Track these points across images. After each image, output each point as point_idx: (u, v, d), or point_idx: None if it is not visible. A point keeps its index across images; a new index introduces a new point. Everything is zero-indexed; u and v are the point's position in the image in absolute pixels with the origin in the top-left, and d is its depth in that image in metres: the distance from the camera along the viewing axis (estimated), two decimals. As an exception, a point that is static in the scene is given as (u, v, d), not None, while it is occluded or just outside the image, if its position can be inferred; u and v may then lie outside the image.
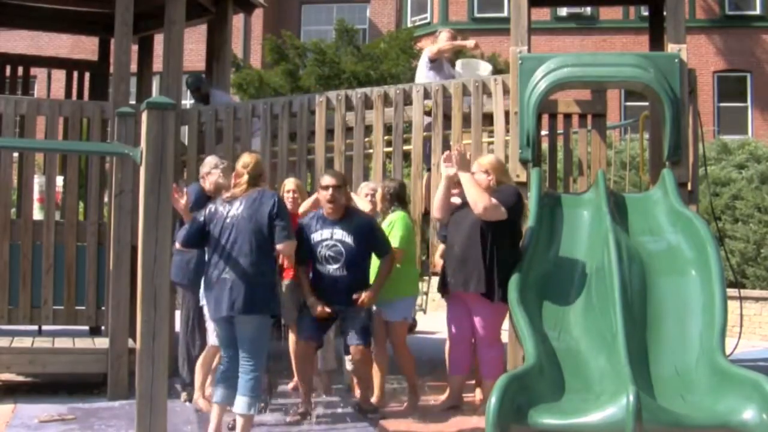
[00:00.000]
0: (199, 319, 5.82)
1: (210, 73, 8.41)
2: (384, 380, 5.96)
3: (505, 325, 5.38)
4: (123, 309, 6.07)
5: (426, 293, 11.68)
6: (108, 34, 8.46)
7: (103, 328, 7.03)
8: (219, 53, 8.43)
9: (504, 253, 5.28)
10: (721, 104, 19.55)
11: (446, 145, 6.34)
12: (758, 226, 11.17)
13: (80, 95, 9.35)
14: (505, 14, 17.65)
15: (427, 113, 6.50)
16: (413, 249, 5.99)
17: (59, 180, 7.33)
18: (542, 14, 18.32)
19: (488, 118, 6.36)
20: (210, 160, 5.91)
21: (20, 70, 9.49)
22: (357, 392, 5.81)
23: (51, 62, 10.95)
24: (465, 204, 5.38)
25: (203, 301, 5.40)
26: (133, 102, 7.50)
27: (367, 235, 5.44)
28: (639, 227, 5.38)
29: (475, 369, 5.89)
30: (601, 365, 4.44)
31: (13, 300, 6.68)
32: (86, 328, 7.50)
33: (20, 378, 6.64)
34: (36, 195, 7.49)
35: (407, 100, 6.53)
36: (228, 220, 4.82)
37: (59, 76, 9.94)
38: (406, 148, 6.64)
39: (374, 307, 5.74)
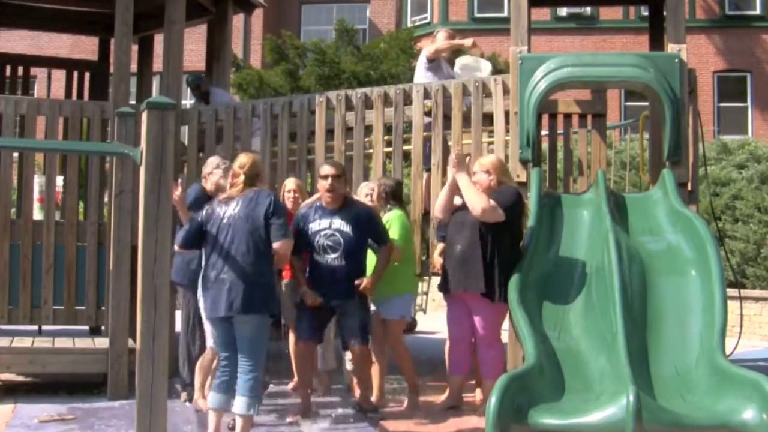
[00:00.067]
0: (199, 320, 5.80)
1: (210, 73, 8.42)
2: (384, 380, 5.96)
3: (505, 325, 5.38)
4: (123, 309, 6.07)
5: (426, 293, 11.69)
6: (108, 34, 8.46)
7: (103, 328, 7.03)
8: (219, 53, 8.43)
9: (504, 253, 5.28)
10: (721, 104, 19.56)
11: (446, 145, 6.35)
12: (758, 226, 11.16)
13: (80, 95, 9.35)
14: (505, 14, 17.65)
15: (427, 113, 6.49)
16: (411, 247, 5.98)
17: (59, 180, 7.33)
18: (542, 14, 18.31)
19: (488, 118, 6.36)
20: (212, 161, 5.91)
21: (20, 70, 9.50)
22: (357, 392, 5.81)
23: (51, 62, 10.95)
24: (466, 204, 5.37)
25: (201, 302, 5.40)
26: (133, 102, 7.50)
27: (366, 224, 5.45)
28: (639, 227, 5.38)
29: (475, 369, 5.89)
30: (601, 365, 4.44)
31: (13, 300, 6.68)
32: (86, 328, 7.50)
33: (20, 378, 6.64)
34: (36, 195, 7.49)
35: (407, 100, 6.53)
36: (225, 221, 4.82)
37: (59, 76, 9.94)
38: (406, 148, 6.64)
39: (373, 307, 5.74)
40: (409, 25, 20.37)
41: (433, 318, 10.25)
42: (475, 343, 5.57)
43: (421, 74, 7.18)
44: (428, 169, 6.52)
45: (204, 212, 4.97)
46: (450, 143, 6.35)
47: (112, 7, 6.95)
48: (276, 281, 6.30)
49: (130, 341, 6.02)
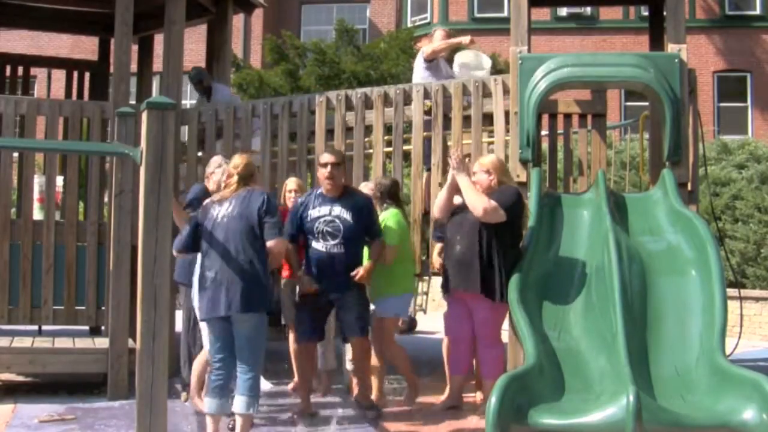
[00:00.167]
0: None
1: (210, 73, 8.41)
2: (383, 379, 5.96)
3: (505, 325, 5.38)
4: (123, 309, 6.07)
5: (426, 293, 11.70)
6: (108, 34, 8.46)
7: (103, 328, 7.03)
8: (219, 53, 8.44)
9: (504, 253, 5.28)
10: (721, 104, 19.55)
11: (446, 145, 6.35)
12: (758, 226, 11.17)
13: (80, 95, 9.35)
14: (505, 14, 17.65)
15: (427, 112, 6.49)
16: (408, 246, 5.97)
17: (59, 180, 7.33)
18: (542, 14, 18.31)
19: (488, 118, 6.36)
20: (215, 160, 5.91)
21: (20, 70, 9.50)
22: (356, 390, 5.80)
23: (51, 62, 10.96)
24: (465, 204, 5.37)
25: (195, 303, 5.39)
26: (133, 102, 7.51)
27: (365, 214, 5.47)
28: (639, 227, 5.38)
29: (475, 369, 5.89)
30: (601, 365, 4.44)
31: (13, 300, 6.68)
32: (86, 328, 7.50)
33: (20, 378, 6.64)
34: (36, 195, 7.49)
35: (407, 100, 6.53)
36: (219, 221, 4.83)
37: (59, 76, 9.94)
38: (406, 148, 6.64)
39: (372, 307, 5.74)
40: (409, 25, 20.37)
41: (433, 318, 10.25)
42: (475, 343, 5.57)
43: (420, 75, 7.17)
44: (428, 169, 6.52)
45: (198, 214, 4.97)
46: (450, 143, 6.34)
47: (112, 7, 6.95)
48: (276, 281, 6.32)
49: (130, 341, 6.02)
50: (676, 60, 5.67)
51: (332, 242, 5.37)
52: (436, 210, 5.65)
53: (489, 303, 5.31)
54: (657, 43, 6.70)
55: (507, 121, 6.10)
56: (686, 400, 4.21)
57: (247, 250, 4.76)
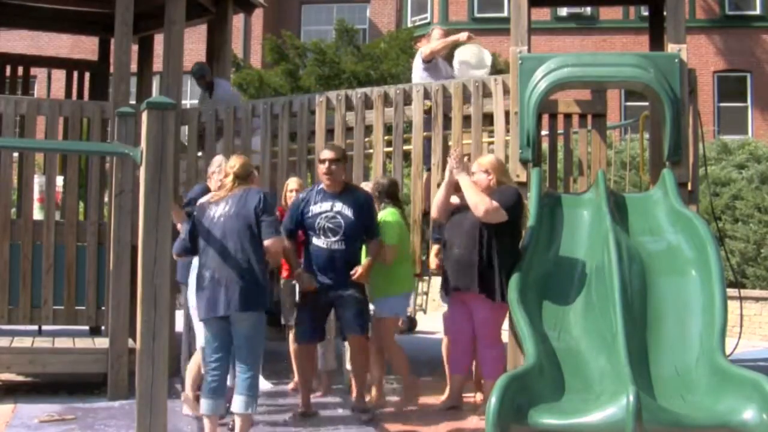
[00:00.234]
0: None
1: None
2: (383, 379, 5.96)
3: (505, 325, 5.38)
4: (123, 309, 6.07)
5: (426, 293, 11.71)
6: (108, 34, 8.46)
7: (103, 328, 7.03)
8: (219, 53, 8.44)
9: (504, 253, 5.28)
10: (721, 104, 19.56)
11: (446, 145, 6.35)
12: (758, 226, 11.17)
13: (80, 95, 9.36)
14: (505, 14, 17.64)
15: (426, 111, 6.48)
16: (405, 246, 5.96)
17: (59, 180, 7.33)
18: (542, 14, 18.31)
19: (488, 118, 6.36)
20: (217, 160, 5.91)
21: (20, 70, 9.51)
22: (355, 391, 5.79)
23: (51, 62, 10.96)
24: (464, 205, 5.38)
25: (191, 303, 5.38)
26: (133, 102, 7.51)
27: (366, 210, 5.48)
28: (639, 227, 5.38)
29: (475, 369, 5.89)
30: (601, 365, 4.44)
31: (13, 300, 6.68)
32: (86, 328, 7.50)
33: (20, 378, 6.64)
34: (36, 195, 7.49)
35: (407, 100, 6.53)
36: (216, 220, 4.83)
37: (59, 76, 9.95)
38: (406, 148, 6.64)
39: (371, 307, 5.74)
40: (409, 25, 20.37)
41: (433, 318, 10.25)
42: (475, 343, 5.57)
43: (418, 76, 7.14)
44: (428, 169, 6.52)
45: (195, 215, 4.97)
46: (451, 144, 6.34)
47: (112, 7, 6.95)
48: (275, 281, 6.32)
49: (130, 341, 6.01)
50: (676, 60, 5.67)
51: (333, 239, 5.38)
52: (434, 210, 5.65)
53: (489, 303, 5.31)
54: (657, 43, 6.70)
55: (507, 121, 6.10)
56: (686, 400, 4.21)
57: (245, 249, 4.76)
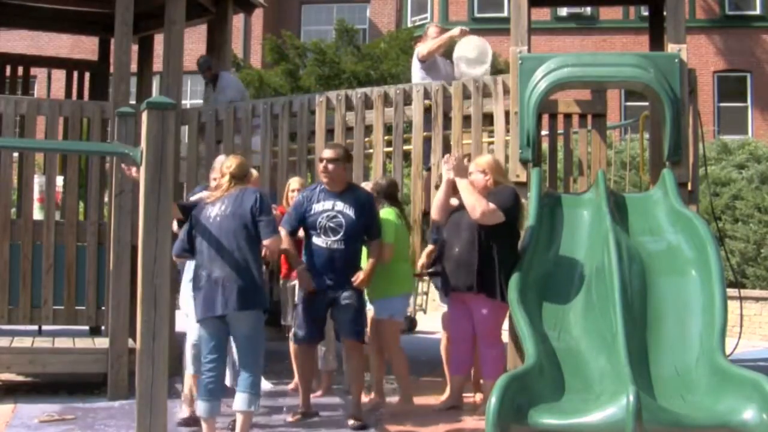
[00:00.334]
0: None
1: (210, 74, 8.46)
2: (382, 380, 5.95)
3: (505, 325, 5.38)
4: (123, 309, 6.07)
5: (426, 293, 11.71)
6: (108, 34, 8.46)
7: (103, 328, 7.03)
8: (219, 53, 8.45)
9: (503, 253, 5.28)
10: (721, 104, 19.56)
11: (446, 145, 6.34)
12: (758, 226, 11.17)
13: (80, 95, 9.36)
14: (505, 14, 17.64)
15: (427, 110, 6.47)
16: (404, 246, 5.94)
17: (59, 180, 7.33)
18: (542, 14, 18.32)
19: (488, 118, 6.36)
20: (220, 160, 5.91)
21: (20, 70, 9.51)
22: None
23: (51, 62, 10.96)
24: (463, 205, 5.37)
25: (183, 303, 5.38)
26: (133, 102, 7.50)
27: (367, 209, 5.46)
28: (639, 227, 5.38)
29: (475, 369, 5.89)
30: (601, 365, 4.44)
31: (13, 300, 6.68)
32: (86, 328, 7.50)
33: (20, 378, 6.64)
34: (36, 195, 7.49)
35: (407, 100, 6.53)
36: (212, 221, 4.82)
37: (59, 76, 9.95)
38: (406, 148, 6.64)
39: (369, 306, 5.73)
40: (409, 25, 20.38)
41: (433, 318, 10.24)
42: (475, 343, 5.57)
43: (417, 76, 7.10)
44: (428, 169, 6.52)
45: (192, 216, 4.97)
46: (452, 144, 6.34)
47: (112, 7, 6.95)
48: (275, 281, 6.33)
49: (130, 341, 6.02)
50: (676, 60, 5.67)
51: (333, 238, 5.36)
52: (434, 211, 5.64)
53: (489, 302, 5.31)
54: (657, 43, 6.70)
55: (507, 121, 6.10)
56: (686, 400, 4.21)
57: (242, 249, 4.75)
